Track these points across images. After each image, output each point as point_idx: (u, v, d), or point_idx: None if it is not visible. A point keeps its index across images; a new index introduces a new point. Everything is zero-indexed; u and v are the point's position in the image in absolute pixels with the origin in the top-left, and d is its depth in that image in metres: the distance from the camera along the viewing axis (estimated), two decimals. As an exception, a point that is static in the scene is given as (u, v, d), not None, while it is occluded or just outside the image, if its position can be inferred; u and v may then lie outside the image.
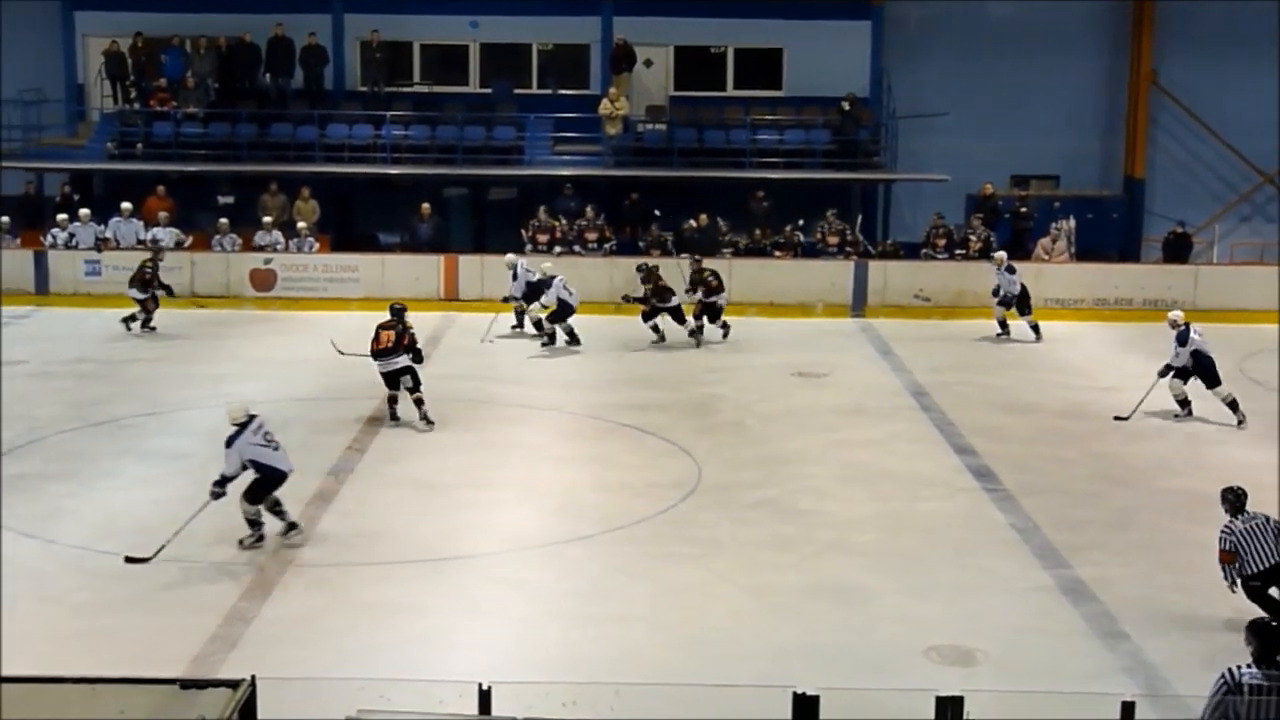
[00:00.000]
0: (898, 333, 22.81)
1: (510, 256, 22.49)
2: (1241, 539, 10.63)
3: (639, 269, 22.12)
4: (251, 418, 12.67)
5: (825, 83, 27.66)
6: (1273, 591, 10.66)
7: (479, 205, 28.80)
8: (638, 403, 18.18)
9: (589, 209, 25.82)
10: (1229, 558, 10.69)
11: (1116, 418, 17.30)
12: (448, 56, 29.43)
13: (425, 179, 27.33)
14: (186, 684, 6.89)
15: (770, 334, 22.70)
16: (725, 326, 22.03)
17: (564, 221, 25.64)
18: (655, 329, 21.74)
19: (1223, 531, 10.80)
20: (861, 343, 22.27)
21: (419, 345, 17.10)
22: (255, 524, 12.68)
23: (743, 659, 10.47)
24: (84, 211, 25.31)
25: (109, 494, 14.17)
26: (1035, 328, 22.23)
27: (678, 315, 21.76)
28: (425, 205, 26.18)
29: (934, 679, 9.82)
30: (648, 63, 28.95)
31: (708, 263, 22.43)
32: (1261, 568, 10.53)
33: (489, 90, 29.05)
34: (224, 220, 25.38)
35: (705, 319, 21.82)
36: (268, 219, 25.51)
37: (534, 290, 21.96)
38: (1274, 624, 7.74)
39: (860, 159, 27.48)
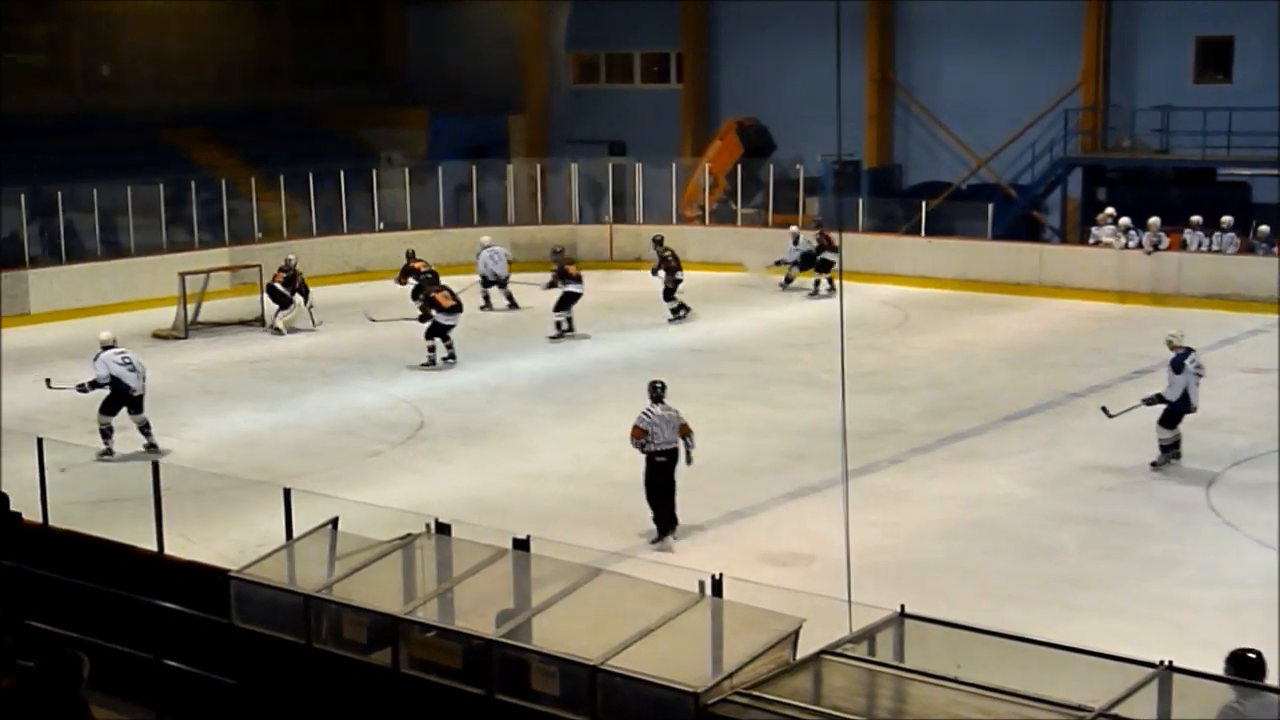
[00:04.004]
0: None
1: (794, 227, 26.74)
2: (656, 422, 13.21)
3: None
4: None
5: None
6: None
7: None
8: None
9: None
10: (640, 434, 13.22)
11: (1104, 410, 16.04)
12: None
13: None
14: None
15: None
16: (682, 308, 24.05)
17: None
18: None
19: (643, 413, 13.32)
20: None
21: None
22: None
23: None
24: None
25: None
26: None
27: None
28: None
29: None
30: None
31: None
32: (665, 448, 13.18)
33: None
34: None
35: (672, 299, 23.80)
36: None
37: (807, 259, 25.10)
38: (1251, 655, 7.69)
39: None
